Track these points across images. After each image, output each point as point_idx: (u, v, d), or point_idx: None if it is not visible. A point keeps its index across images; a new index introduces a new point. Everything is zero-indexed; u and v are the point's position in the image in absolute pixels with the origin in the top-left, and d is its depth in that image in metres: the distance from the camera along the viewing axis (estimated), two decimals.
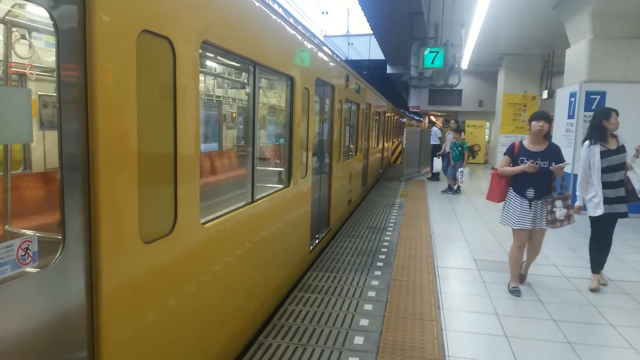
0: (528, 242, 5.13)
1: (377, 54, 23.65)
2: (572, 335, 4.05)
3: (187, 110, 2.67)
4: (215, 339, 3.29)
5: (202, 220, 3.01)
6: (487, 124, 22.65)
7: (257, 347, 3.69)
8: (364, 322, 4.17)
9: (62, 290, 1.94)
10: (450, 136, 13.16)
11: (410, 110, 27.74)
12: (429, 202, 10.75)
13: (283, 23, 4.44)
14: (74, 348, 2.01)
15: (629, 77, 9.34)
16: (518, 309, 4.61)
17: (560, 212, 4.82)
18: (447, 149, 13.26)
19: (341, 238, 7.23)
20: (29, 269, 1.83)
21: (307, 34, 5.32)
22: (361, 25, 28.06)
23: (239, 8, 3.48)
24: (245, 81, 4.93)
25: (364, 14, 14.22)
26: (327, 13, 52.48)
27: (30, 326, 1.82)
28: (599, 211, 4.96)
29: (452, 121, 13.56)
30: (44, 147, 4.46)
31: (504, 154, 5.08)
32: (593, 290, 5.10)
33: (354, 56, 26.67)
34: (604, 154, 4.97)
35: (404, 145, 15.82)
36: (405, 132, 15.75)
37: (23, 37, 3.85)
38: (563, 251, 6.84)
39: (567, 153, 9.89)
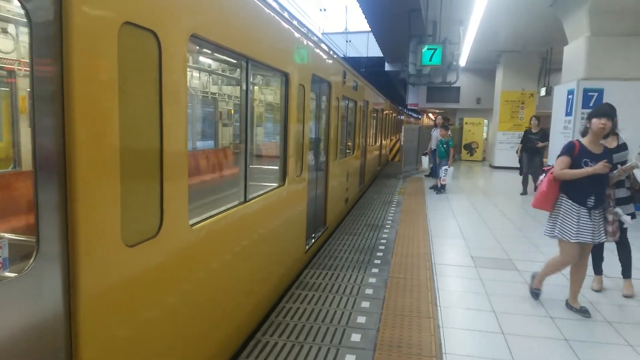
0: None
1: (375, 51, 23.63)
2: (569, 332, 4.06)
3: (174, 106, 2.55)
4: (202, 348, 3.14)
5: (191, 222, 2.89)
6: (485, 121, 22.67)
7: (254, 344, 3.69)
8: (361, 319, 4.17)
9: (37, 297, 1.84)
10: (435, 133, 13.02)
11: (409, 107, 27.75)
12: (426, 200, 10.75)
13: (277, 17, 4.31)
14: (51, 357, 1.92)
15: (627, 75, 9.35)
16: (515, 306, 4.62)
17: (625, 219, 4.42)
18: (433, 147, 13.13)
19: (339, 235, 7.23)
20: (7, 274, 1.76)
21: (302, 30, 5.20)
22: (359, 22, 28.09)
23: (231, 1, 3.35)
24: (238, 77, 4.72)
25: (362, 11, 14.19)
26: (325, 10, 52.35)
27: (4, 334, 1.74)
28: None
29: (439, 117, 13.44)
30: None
31: (562, 155, 4.40)
32: (596, 290, 5.08)
33: (352, 53, 26.64)
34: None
35: (401, 143, 15.76)
36: (403, 130, 15.72)
37: (4, 30, 3.72)
38: None
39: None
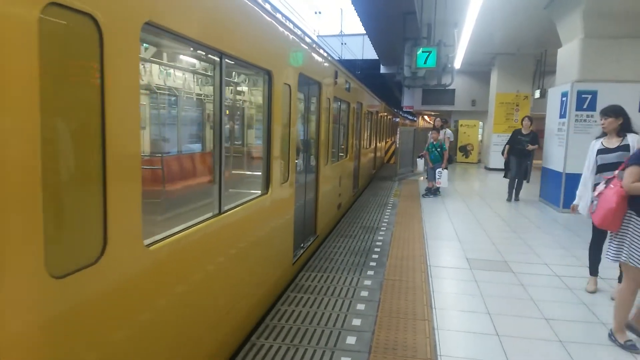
0: None
1: (370, 53, 23.69)
2: (564, 333, 4.07)
3: (121, 105, 2.15)
4: None
5: (147, 241, 2.43)
6: (480, 123, 22.74)
7: (249, 347, 3.67)
8: (356, 322, 4.16)
9: None
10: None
11: (404, 110, 27.81)
12: (422, 202, 10.77)
13: (257, 9, 3.89)
14: None
15: (620, 77, 9.41)
16: (510, 308, 4.63)
17: None
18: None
19: (334, 238, 7.22)
20: None
21: (288, 25, 4.85)
22: (355, 25, 28.13)
23: None
24: (211, 74, 3.96)
25: (357, 13, 14.23)
26: (320, 13, 52.38)
27: None
28: (582, 212, 4.89)
29: (438, 119, 12.87)
30: None
31: (633, 164, 3.84)
32: (590, 292, 5.08)
33: (347, 56, 26.69)
34: (599, 152, 4.87)
35: (397, 145, 15.75)
36: (398, 132, 15.73)
37: None
38: (555, 250, 6.87)
39: (558, 153, 10.03)
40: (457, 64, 16.27)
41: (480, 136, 23.24)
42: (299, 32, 5.44)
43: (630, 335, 3.90)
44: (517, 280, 5.42)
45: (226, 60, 3.36)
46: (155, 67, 6.11)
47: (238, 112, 7.65)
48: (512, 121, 18.73)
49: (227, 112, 7.72)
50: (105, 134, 2.06)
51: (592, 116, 9.36)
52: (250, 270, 4.11)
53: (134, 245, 2.29)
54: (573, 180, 9.44)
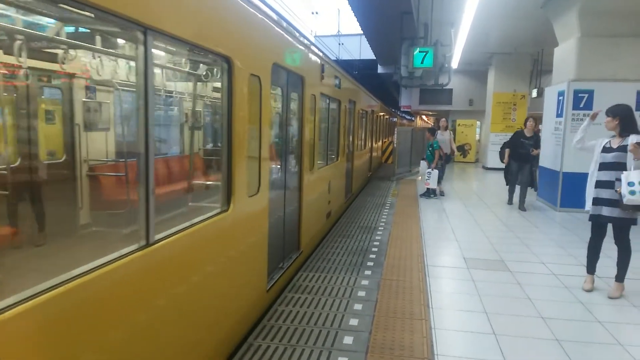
0: None
1: (368, 53, 23.70)
2: (560, 332, 4.07)
3: None
4: None
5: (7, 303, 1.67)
6: (478, 122, 22.78)
7: (246, 348, 3.67)
8: (353, 321, 4.16)
9: None
10: (441, 137, 12.08)
11: (402, 109, 27.83)
12: (419, 202, 10.77)
13: None
14: None
15: (617, 76, 9.43)
16: (507, 307, 4.64)
17: None
18: (444, 150, 12.12)
19: (332, 238, 7.22)
20: None
21: (259, 4, 4.01)
22: (352, 25, 28.16)
23: None
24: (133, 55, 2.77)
25: (354, 13, 14.24)
26: (317, 13, 52.42)
27: None
28: (586, 207, 4.98)
29: (443, 119, 12.43)
30: None
31: None
32: (587, 290, 5.09)
33: (345, 56, 26.71)
34: (603, 149, 4.90)
35: (395, 145, 15.75)
36: (396, 132, 15.73)
37: None
38: (552, 249, 6.89)
39: (555, 152, 10.04)
40: (454, 63, 16.29)
41: (477, 135, 23.29)
42: (274, 16, 4.50)
43: None
44: (514, 279, 5.43)
45: (155, 38, 2.55)
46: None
47: (193, 109, 6.72)
48: (510, 120, 18.78)
49: (176, 110, 7.08)
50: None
51: (588, 115, 9.37)
52: (202, 310, 3.21)
53: None
54: (570, 179, 9.50)
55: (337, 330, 4.00)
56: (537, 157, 9.97)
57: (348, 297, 4.77)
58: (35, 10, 3.35)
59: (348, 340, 3.82)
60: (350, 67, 23.88)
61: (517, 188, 10.22)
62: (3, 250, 3.73)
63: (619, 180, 4.62)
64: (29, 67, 4.28)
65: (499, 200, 11.28)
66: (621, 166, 4.72)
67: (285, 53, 4.96)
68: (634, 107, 5.15)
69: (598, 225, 5.03)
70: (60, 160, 5.31)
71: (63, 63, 4.49)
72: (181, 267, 2.89)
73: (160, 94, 6.40)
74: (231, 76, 3.46)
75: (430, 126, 12.52)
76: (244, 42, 3.73)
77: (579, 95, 9.56)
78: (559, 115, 10.03)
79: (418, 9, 11.78)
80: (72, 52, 4.48)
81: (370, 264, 5.88)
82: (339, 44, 26.62)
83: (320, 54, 6.74)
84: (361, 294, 4.85)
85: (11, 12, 3.60)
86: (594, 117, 5.32)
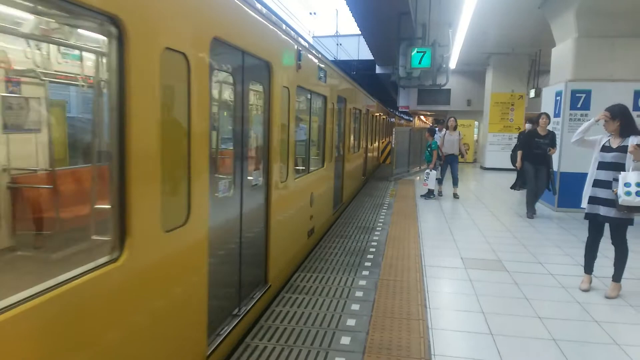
0: None
1: (366, 54, 23.73)
2: (557, 332, 4.08)
3: None
4: None
5: None
6: (476, 123, 22.81)
7: (243, 348, 3.67)
8: (351, 322, 4.16)
9: None
10: (450, 137, 11.47)
11: (400, 110, 27.87)
12: (417, 202, 10.78)
13: None
14: None
15: (614, 76, 9.45)
16: (504, 307, 4.64)
17: None
18: (449, 151, 11.63)
19: (329, 238, 7.22)
20: None
21: None
22: (350, 25, 28.23)
23: None
24: None
25: (351, 14, 14.24)
26: (315, 14, 52.49)
27: None
28: (582, 205, 5.00)
29: (452, 119, 11.82)
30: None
31: None
32: (584, 290, 5.09)
33: (343, 56, 26.75)
34: (602, 148, 4.90)
35: (393, 145, 15.73)
36: (394, 132, 15.72)
37: None
38: (549, 249, 6.89)
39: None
40: (452, 64, 16.33)
41: (475, 136, 23.32)
42: None
43: None
44: (512, 279, 5.43)
45: None
46: None
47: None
48: (507, 121, 18.82)
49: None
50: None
51: (586, 115, 9.40)
52: None
53: None
54: (567, 179, 9.51)
55: (334, 330, 4.00)
56: (551, 157, 8.92)
57: (345, 297, 4.77)
58: None
59: (345, 340, 3.82)
60: (348, 68, 23.91)
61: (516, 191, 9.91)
62: None
63: (617, 180, 4.63)
64: None
65: (497, 200, 11.29)
66: (620, 166, 4.72)
67: (237, 26, 3.67)
68: (631, 108, 5.14)
69: (595, 225, 5.03)
70: None
71: None
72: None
73: None
74: (125, 49, 2.29)
75: (429, 126, 12.29)
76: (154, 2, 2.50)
77: (577, 95, 9.57)
78: (556, 115, 10.04)
79: (416, 9, 11.79)
80: None
81: (367, 264, 5.88)
82: (337, 45, 26.66)
83: (296, 36, 5.45)
84: (358, 294, 4.85)
85: None
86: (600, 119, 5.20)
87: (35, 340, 1.82)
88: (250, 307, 4.22)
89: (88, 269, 2.12)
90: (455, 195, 11.38)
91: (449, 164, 11.45)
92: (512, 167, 9.76)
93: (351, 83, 10.43)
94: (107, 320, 2.23)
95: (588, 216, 5.02)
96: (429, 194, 11.27)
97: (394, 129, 16.51)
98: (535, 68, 17.87)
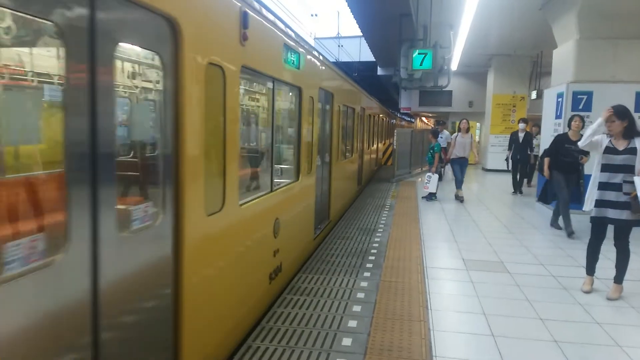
0: None
1: (367, 55, 23.74)
2: (559, 333, 4.08)
3: None
4: None
5: None
6: (478, 124, 22.80)
7: (245, 349, 3.68)
8: (352, 323, 4.17)
9: None
10: (462, 139, 11.13)
11: (402, 111, 27.87)
12: (419, 203, 10.78)
13: None
14: None
15: (616, 77, 9.44)
16: (505, 309, 4.64)
17: None
18: (460, 154, 11.39)
19: (331, 240, 7.23)
20: None
21: None
22: (351, 27, 28.25)
23: None
24: None
25: (353, 15, 14.27)
26: (316, 15, 52.54)
27: None
28: (586, 207, 4.97)
29: (464, 120, 11.43)
30: None
31: None
32: (586, 292, 5.08)
33: (344, 58, 26.76)
34: (606, 150, 4.84)
35: (394, 147, 15.70)
36: (395, 134, 15.70)
37: None
38: (551, 250, 6.89)
39: None
40: (454, 65, 16.33)
41: (477, 137, 23.29)
42: None
43: None
44: (513, 281, 5.43)
45: None
46: None
47: None
48: (509, 122, 18.81)
49: None
50: None
51: (588, 117, 9.39)
52: None
53: None
54: None
55: (335, 331, 4.00)
56: (583, 166, 7.49)
57: (347, 298, 4.77)
58: None
59: (347, 341, 3.82)
60: (350, 69, 23.93)
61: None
62: None
63: (627, 182, 4.63)
64: None
65: (498, 201, 11.28)
66: (629, 169, 4.69)
67: None
68: (633, 109, 5.13)
69: (599, 227, 5.02)
70: None
71: None
72: None
73: None
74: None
75: (432, 128, 12.19)
76: None
77: (578, 97, 9.55)
78: (558, 117, 10.03)
79: (417, 11, 11.79)
80: None
81: (369, 265, 5.88)
82: (339, 46, 26.67)
83: (264, 10, 4.23)
84: (360, 295, 4.86)
85: None
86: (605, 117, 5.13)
87: None
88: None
89: None
90: (457, 197, 11.35)
91: (459, 166, 11.23)
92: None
93: (341, 76, 8.99)
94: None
95: (594, 219, 4.98)
96: (431, 196, 11.22)
97: (395, 131, 16.44)
98: (537, 69, 17.85)
